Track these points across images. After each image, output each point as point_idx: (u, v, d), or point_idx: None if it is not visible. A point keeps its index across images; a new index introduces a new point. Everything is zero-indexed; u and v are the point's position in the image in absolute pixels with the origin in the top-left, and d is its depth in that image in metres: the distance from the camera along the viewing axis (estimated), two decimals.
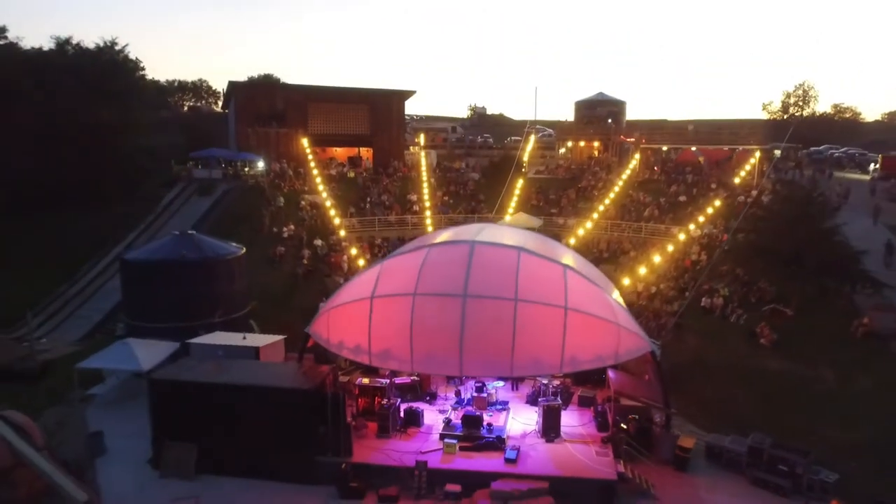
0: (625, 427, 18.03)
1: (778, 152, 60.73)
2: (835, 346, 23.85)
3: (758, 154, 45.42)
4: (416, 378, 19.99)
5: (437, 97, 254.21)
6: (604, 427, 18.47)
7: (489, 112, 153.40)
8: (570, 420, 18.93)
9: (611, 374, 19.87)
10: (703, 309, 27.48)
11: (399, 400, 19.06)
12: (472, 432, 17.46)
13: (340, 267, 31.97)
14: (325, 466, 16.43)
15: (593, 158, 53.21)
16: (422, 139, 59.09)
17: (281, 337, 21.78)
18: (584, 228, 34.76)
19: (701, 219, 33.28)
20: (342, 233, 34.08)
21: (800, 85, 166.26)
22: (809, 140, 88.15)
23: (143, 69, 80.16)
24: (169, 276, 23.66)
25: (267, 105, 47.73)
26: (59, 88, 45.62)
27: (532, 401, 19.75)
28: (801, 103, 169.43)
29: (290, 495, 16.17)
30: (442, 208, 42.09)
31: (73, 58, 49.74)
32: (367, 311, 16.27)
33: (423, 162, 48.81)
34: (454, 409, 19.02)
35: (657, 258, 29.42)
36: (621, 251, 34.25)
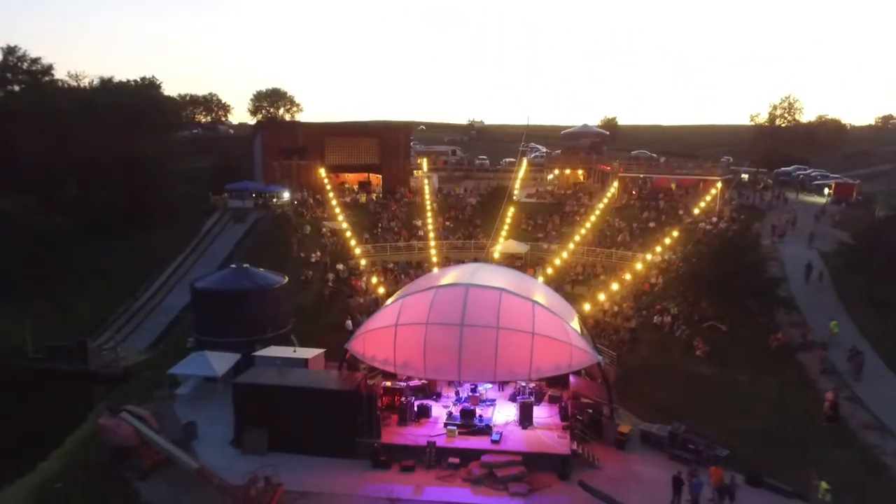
0: (580, 418, 24.60)
1: (746, 176, 67.19)
2: (754, 356, 30.28)
3: (719, 184, 51.87)
4: (425, 382, 26.47)
5: (437, 98, 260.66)
6: (566, 418, 24.94)
7: (488, 122, 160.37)
8: (541, 413, 25.44)
9: (572, 378, 26.41)
10: (655, 325, 33.94)
11: (413, 398, 25.58)
12: (468, 421, 24.03)
13: (360, 289, 38.42)
14: (362, 445, 22.96)
15: (578, 184, 59.74)
16: (425, 165, 65.50)
17: (322, 350, 28.26)
18: (561, 259, 41.10)
19: (658, 248, 39.67)
20: (363, 262, 40.47)
21: (785, 98, 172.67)
22: (784, 158, 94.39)
23: (160, 87, 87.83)
24: (231, 301, 30.13)
25: (289, 140, 54.36)
26: (106, 125, 52.07)
27: (512, 398, 26.30)
28: (786, 115, 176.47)
29: (337, 466, 22.64)
30: (443, 233, 48.42)
31: (116, 95, 56.13)
32: (392, 335, 22.87)
33: (427, 189, 55.18)
34: (454, 404, 25.56)
35: (615, 286, 35.88)
36: (594, 274, 40.68)
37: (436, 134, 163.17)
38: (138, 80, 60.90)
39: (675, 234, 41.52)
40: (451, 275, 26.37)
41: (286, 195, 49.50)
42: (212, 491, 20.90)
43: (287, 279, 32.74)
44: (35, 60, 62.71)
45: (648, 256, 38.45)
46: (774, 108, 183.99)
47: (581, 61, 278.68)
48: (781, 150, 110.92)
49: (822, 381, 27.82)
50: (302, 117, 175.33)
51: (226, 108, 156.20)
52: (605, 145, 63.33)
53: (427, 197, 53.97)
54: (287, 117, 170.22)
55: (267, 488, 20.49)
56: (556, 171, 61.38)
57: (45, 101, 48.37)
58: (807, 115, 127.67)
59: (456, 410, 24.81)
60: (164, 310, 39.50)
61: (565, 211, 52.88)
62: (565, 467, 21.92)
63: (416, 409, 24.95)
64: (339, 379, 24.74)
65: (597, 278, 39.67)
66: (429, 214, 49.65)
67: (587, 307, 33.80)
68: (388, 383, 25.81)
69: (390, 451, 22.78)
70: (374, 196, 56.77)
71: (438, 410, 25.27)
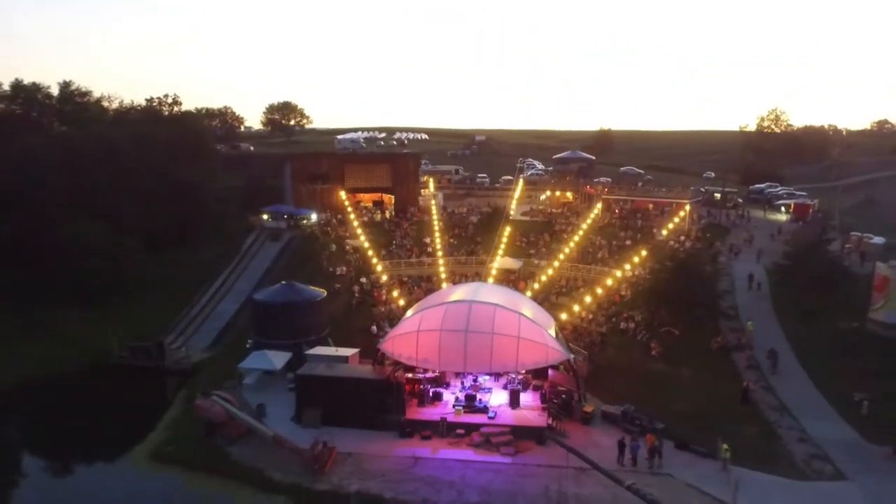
0: (555, 401, 32.53)
1: (718, 196, 74.75)
2: (697, 355, 38.05)
3: (688, 207, 59.73)
4: (438, 374, 34.37)
5: (437, 99, 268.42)
6: (545, 401, 32.82)
7: (488, 126, 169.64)
8: (526, 398, 33.38)
9: (550, 372, 34.28)
10: (622, 330, 41.77)
11: (429, 386, 33.51)
12: (470, 403, 32.00)
13: (382, 300, 46.24)
14: (391, 420, 30.87)
15: (567, 204, 67.67)
16: (431, 185, 73.36)
17: (357, 349, 36.15)
18: (547, 275, 48.90)
19: (628, 266, 47.53)
20: (384, 278, 48.30)
21: (772, 110, 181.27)
22: (760, 174, 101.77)
23: (180, 103, 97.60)
24: (283, 311, 38.10)
25: (315, 168, 62.42)
26: (158, 155, 59.90)
27: (505, 387, 34.23)
28: (773, 126, 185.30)
29: (373, 435, 30.48)
30: (449, 250, 56.10)
31: (166, 127, 64.04)
32: (415, 338, 30.88)
33: (434, 209, 62.98)
34: (460, 391, 33.49)
35: (588, 298, 43.78)
36: (575, 287, 48.44)
37: (438, 143, 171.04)
38: (162, 97, 69.79)
39: (644, 253, 49.29)
40: (458, 293, 34.39)
41: (314, 217, 57.49)
42: (285, 452, 28.82)
43: (326, 293, 40.73)
44: (85, 93, 70.82)
45: (618, 273, 46.30)
46: (762, 119, 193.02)
47: (581, 61, 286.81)
48: (761, 165, 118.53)
49: (746, 375, 35.70)
50: (308, 125, 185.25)
51: (239, 121, 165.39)
52: (591, 169, 71.25)
53: (434, 216, 61.77)
54: (296, 126, 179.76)
55: (325, 450, 28.40)
56: (548, 193, 69.28)
57: (107, 136, 56.25)
58: (802, 120, 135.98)
59: (461, 395, 32.80)
60: (218, 316, 47.39)
61: (555, 229, 60.54)
62: (541, 436, 29.88)
63: (431, 394, 32.97)
64: (373, 371, 32.73)
65: (577, 290, 47.42)
66: (436, 233, 57.41)
67: (563, 316, 41.59)
68: (410, 374, 33.68)
69: (412, 425, 30.75)
70: (387, 214, 64.74)
71: (448, 395, 33.24)
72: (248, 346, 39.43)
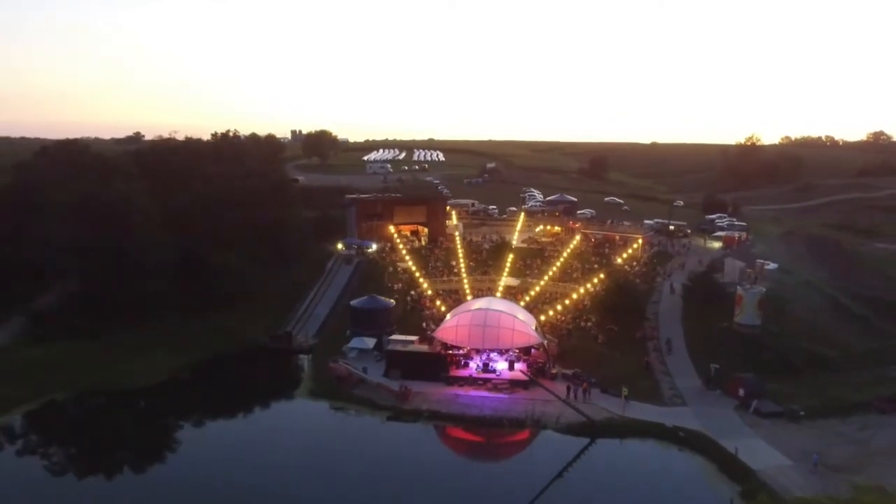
0: (535, 367, 56.20)
1: (673, 227, 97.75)
2: (626, 343, 61.43)
3: (640, 240, 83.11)
4: (466, 351, 57.90)
5: (449, 107, 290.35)
6: (529, 367, 56.39)
7: (499, 137, 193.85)
8: (519, 365, 56.93)
9: (533, 350, 58.01)
10: (581, 327, 65.24)
11: (462, 358, 57.17)
12: (486, 367, 55.73)
13: (428, 307, 69.79)
14: (441, 376, 54.59)
15: (555, 235, 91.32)
16: (454, 217, 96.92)
17: (417, 337, 59.66)
18: (534, 292, 72.26)
19: (589, 285, 70.90)
20: (429, 292, 71.86)
21: (749, 137, 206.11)
22: (719, 203, 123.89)
23: (240, 136, 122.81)
24: (370, 313, 61.95)
25: (372, 210, 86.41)
26: (258, 202, 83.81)
27: (506, 359, 57.70)
28: (751, 145, 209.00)
29: (431, 384, 53.87)
30: (469, 271, 79.44)
31: (264, 177, 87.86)
32: (454, 330, 54.82)
33: (459, 240, 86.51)
34: (480, 361, 57.02)
35: (559, 307, 67.15)
36: (554, 298, 71.73)
37: (454, 166, 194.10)
38: (224, 132, 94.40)
39: (602, 275, 72.70)
40: (478, 304, 58.23)
41: (374, 246, 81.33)
42: (383, 392, 52.53)
43: (394, 303, 64.59)
44: (196, 142, 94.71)
45: (582, 289, 69.80)
46: (740, 145, 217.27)
47: (578, 65, 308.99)
48: (721, 193, 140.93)
49: (651, 355, 59.12)
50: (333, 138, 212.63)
51: (282, 147, 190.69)
52: (574, 208, 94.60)
53: (458, 244, 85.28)
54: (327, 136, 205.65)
55: (406, 390, 51.94)
56: (542, 226, 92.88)
57: (231, 187, 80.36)
58: (801, 131, 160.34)
59: (480, 363, 56.39)
60: (317, 316, 70.98)
61: (545, 255, 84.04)
62: (526, 385, 53.47)
63: (463, 362, 56.68)
64: (429, 349, 56.49)
65: (556, 301, 70.77)
66: (460, 258, 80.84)
67: (542, 318, 65.10)
68: (450, 351, 57.19)
69: (453, 379, 54.41)
70: (422, 241, 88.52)
71: (473, 363, 56.82)
72: (347, 334, 63.08)
